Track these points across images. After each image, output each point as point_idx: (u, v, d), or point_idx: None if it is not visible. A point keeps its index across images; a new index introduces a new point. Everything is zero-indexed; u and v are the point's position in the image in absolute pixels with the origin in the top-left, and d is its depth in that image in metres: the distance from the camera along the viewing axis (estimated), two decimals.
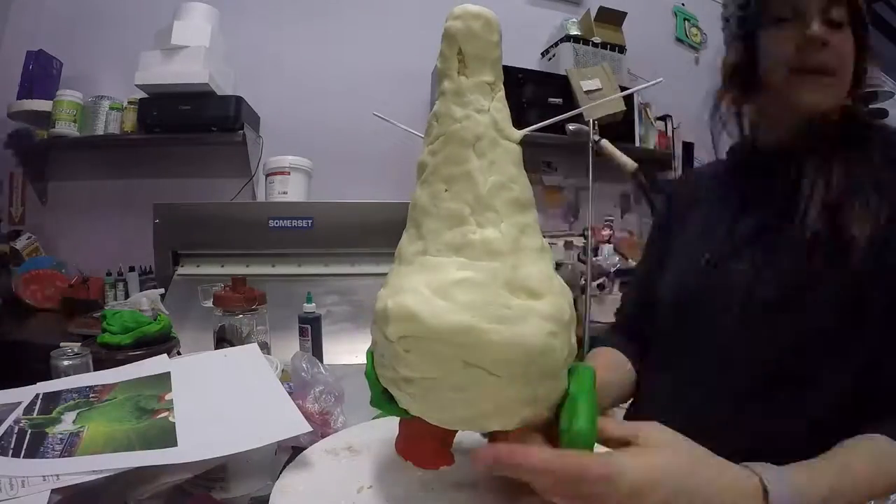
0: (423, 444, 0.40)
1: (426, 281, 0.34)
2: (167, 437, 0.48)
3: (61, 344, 0.85)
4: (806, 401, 0.51)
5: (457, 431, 0.40)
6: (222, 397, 0.59)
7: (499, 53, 0.37)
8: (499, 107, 0.36)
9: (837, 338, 0.50)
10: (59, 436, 0.49)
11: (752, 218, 0.60)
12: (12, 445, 0.47)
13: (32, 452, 0.46)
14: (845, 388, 0.50)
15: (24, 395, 0.58)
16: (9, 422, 0.52)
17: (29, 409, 0.55)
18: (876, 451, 0.43)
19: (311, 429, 0.51)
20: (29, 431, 0.50)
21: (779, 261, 0.55)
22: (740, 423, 0.53)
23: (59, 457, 0.45)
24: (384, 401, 0.39)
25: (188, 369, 0.64)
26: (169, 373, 0.62)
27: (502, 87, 0.37)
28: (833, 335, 0.50)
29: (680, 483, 0.33)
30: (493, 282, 0.33)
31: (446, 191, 0.35)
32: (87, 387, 0.60)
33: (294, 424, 0.51)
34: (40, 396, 0.58)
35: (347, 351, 1.21)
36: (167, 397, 0.57)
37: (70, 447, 0.47)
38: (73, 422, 0.52)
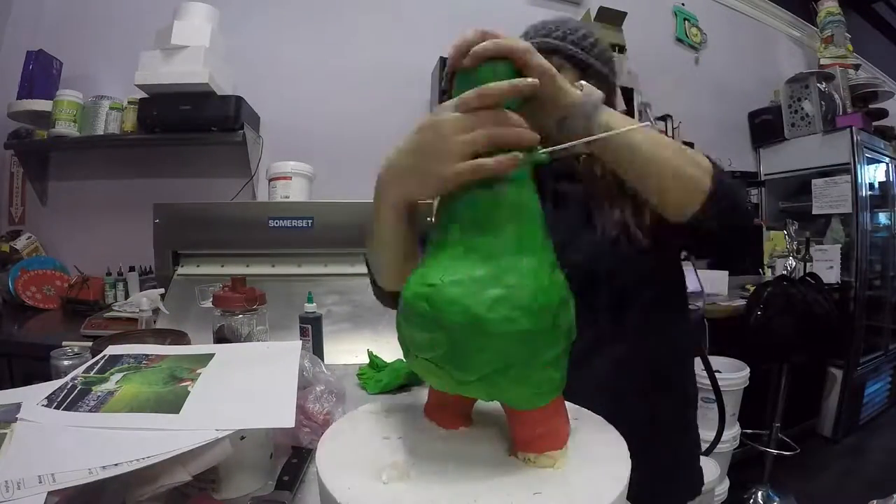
0: (447, 409, 0.49)
1: None
2: (177, 403, 0.53)
3: (63, 343, 0.85)
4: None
5: (475, 400, 0.48)
6: (240, 381, 0.61)
7: None
8: None
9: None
10: (98, 393, 0.56)
11: (566, 215, 0.76)
12: (58, 399, 0.55)
13: (70, 406, 0.53)
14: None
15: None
16: (70, 377, 0.60)
17: (91, 367, 0.63)
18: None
19: (291, 425, 0.51)
20: (78, 388, 0.57)
21: (595, 248, 0.73)
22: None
23: (88, 412, 0.52)
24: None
25: (230, 354, 0.69)
26: (213, 354, 0.67)
27: None
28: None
29: None
30: None
31: None
32: (144, 354, 0.68)
33: (274, 417, 0.52)
34: (106, 357, 0.66)
35: (348, 351, 1.20)
36: (198, 371, 0.61)
37: (100, 404, 0.53)
38: (117, 382, 0.59)
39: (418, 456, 0.44)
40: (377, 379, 0.96)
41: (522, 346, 0.39)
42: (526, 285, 0.39)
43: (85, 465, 0.44)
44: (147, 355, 0.67)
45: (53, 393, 0.56)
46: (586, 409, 0.52)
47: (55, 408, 0.53)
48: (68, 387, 0.57)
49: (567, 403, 0.52)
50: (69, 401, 0.54)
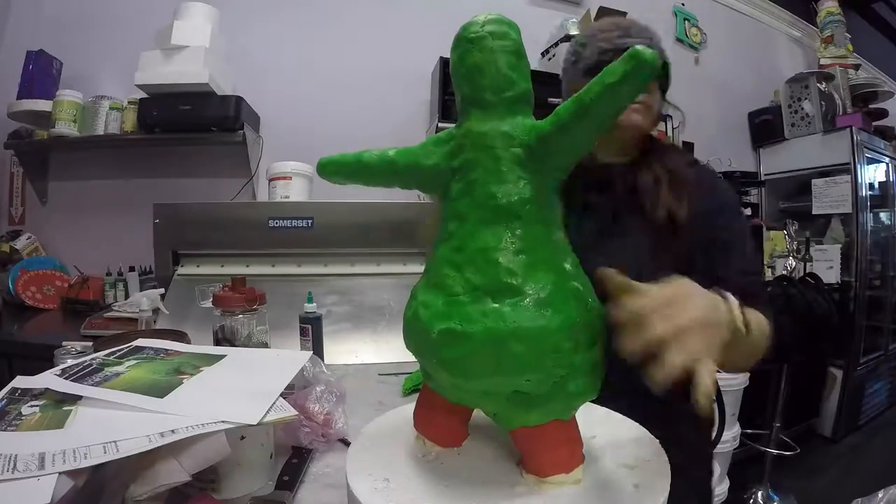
0: (441, 421, 0.47)
1: None
2: (166, 391, 0.55)
3: (63, 343, 0.85)
4: None
5: (472, 411, 0.47)
6: (232, 381, 0.61)
7: None
8: None
9: None
10: (108, 373, 0.59)
11: (592, 222, 0.79)
12: (73, 371, 0.59)
13: (80, 380, 0.57)
14: None
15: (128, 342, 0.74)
16: (92, 356, 0.66)
17: (114, 352, 0.67)
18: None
19: (253, 423, 0.50)
20: (94, 366, 0.61)
21: (621, 253, 0.73)
22: None
23: (91, 385, 0.55)
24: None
25: (241, 357, 0.70)
26: (225, 356, 0.68)
27: None
28: None
29: (695, 288, 0.45)
30: None
31: None
32: (164, 349, 0.71)
33: (240, 415, 0.51)
34: (132, 347, 0.71)
35: (348, 351, 1.20)
36: (202, 369, 0.63)
37: (103, 381, 0.57)
38: (127, 367, 0.62)
39: (445, 464, 0.45)
40: (410, 378, 0.98)
41: (521, 371, 0.38)
42: (528, 307, 0.37)
43: (97, 393, 0.51)
44: (167, 350, 0.70)
45: (71, 366, 0.61)
46: (618, 415, 0.52)
47: (65, 378, 0.57)
48: (86, 364, 0.62)
49: (599, 408, 0.53)
50: (81, 374, 0.58)
